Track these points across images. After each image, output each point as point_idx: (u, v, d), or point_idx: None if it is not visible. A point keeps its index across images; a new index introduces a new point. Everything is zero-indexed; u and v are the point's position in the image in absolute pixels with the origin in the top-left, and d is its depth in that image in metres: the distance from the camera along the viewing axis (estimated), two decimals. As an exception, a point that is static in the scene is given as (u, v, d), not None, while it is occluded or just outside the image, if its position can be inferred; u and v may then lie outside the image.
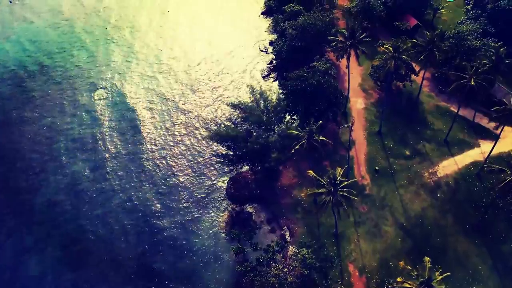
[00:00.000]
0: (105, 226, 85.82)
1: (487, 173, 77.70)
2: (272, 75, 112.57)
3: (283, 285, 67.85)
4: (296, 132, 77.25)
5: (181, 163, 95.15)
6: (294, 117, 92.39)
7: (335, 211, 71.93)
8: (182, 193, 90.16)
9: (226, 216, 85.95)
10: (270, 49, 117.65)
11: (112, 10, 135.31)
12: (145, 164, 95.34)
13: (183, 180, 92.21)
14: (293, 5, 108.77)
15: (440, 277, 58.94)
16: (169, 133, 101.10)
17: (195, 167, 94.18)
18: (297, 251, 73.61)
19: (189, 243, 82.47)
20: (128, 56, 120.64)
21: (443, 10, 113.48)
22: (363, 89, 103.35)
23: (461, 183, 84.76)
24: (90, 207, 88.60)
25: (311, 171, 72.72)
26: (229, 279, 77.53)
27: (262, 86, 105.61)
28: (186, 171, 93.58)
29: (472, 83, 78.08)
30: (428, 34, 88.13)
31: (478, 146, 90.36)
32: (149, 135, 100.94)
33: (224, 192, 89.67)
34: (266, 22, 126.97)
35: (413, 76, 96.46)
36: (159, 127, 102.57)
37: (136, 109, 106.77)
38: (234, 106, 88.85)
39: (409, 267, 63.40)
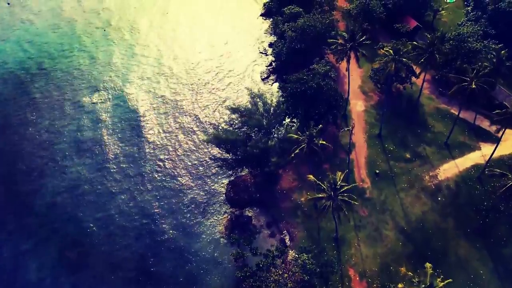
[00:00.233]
0: (104, 229, 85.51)
1: (489, 177, 77.14)
2: (272, 77, 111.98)
3: (283, 291, 67.46)
4: (296, 136, 76.64)
5: (180, 166, 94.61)
6: (294, 120, 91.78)
7: (336, 215, 71.40)
8: (181, 196, 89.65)
9: (225, 220, 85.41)
10: (270, 51, 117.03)
11: (112, 12, 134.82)
12: (144, 168, 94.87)
13: (182, 183, 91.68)
14: (292, 6, 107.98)
15: (442, 283, 58.39)
16: (168, 136, 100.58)
17: (194, 171, 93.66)
18: (297, 255, 73.14)
19: (188, 248, 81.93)
20: (128, 58, 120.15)
21: (443, 12, 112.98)
22: (363, 92, 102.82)
23: (462, 187, 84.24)
24: (89, 210, 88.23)
25: (311, 176, 72.14)
26: (228, 284, 77.01)
27: (262, 88, 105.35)
28: (185, 175, 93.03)
29: (473, 86, 77.52)
30: (429, 36, 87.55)
31: (479, 148, 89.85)
32: (148, 138, 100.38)
33: (224, 196, 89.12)
34: (265, 24, 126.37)
35: (413, 78, 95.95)
36: (158, 130, 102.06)
37: (135, 111, 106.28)
38: (233, 110, 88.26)
39: (410, 273, 62.86)
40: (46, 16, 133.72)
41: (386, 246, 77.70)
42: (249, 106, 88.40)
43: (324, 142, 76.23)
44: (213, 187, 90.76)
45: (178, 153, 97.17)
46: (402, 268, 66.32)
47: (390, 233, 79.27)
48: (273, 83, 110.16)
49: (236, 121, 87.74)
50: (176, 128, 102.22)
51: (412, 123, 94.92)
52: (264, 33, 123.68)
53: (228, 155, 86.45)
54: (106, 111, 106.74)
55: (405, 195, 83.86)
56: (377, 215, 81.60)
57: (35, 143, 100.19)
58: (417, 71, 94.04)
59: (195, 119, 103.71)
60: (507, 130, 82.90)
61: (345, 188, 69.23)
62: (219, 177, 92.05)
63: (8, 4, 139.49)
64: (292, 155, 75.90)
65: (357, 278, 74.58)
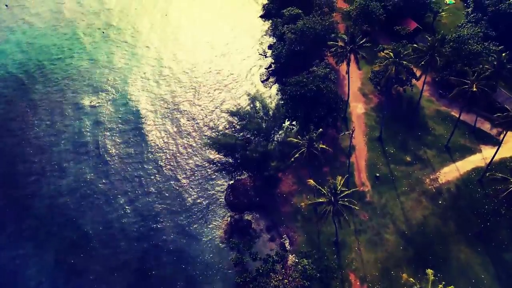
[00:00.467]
0: (102, 232, 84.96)
1: (490, 180, 76.55)
2: (271, 79, 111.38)
3: (283, 297, 66.86)
4: (296, 140, 76.02)
5: (179, 170, 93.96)
6: (294, 123, 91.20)
7: (336, 220, 70.80)
8: (180, 200, 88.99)
9: (225, 224, 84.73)
10: (269, 52, 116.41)
11: (112, 13, 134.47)
12: (144, 171, 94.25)
13: (181, 187, 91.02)
14: (292, 8, 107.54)
15: (444, 290, 57.88)
16: (168, 139, 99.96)
17: (193, 174, 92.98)
18: (297, 260, 72.57)
19: (187, 253, 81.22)
20: (127, 59, 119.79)
21: (443, 13, 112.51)
22: (363, 94, 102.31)
23: (463, 190, 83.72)
24: (89, 213, 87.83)
25: (311, 181, 71.56)
26: (228, 289, 76.49)
27: (261, 90, 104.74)
28: (184, 179, 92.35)
29: (474, 89, 76.98)
30: (429, 39, 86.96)
31: (480, 151, 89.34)
32: (148, 141, 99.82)
33: (223, 200, 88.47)
34: (265, 25, 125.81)
35: (413, 81, 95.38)
36: (158, 133, 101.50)
37: (135, 113, 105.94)
38: (232, 113, 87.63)
39: (412, 279, 62.19)
40: (46, 18, 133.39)
41: (387, 251, 77.12)
42: (249, 109, 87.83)
43: (324, 146, 75.68)
44: (212, 190, 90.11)
45: (177, 156, 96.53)
46: (403, 275, 65.77)
47: (390, 237, 78.70)
48: (272, 85, 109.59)
49: (236, 125, 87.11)
50: (175, 131, 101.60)
51: (412, 125, 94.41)
52: (264, 35, 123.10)
53: (227, 158, 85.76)
54: (105, 113, 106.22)
55: (406, 199, 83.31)
56: (378, 219, 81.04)
57: (35, 145, 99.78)
58: (418, 73, 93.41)
59: (194, 122, 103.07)
60: (508, 133, 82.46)
61: (345, 193, 68.59)
62: (219, 180, 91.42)
63: (6, 6, 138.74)
64: (292, 159, 75.28)
65: (358, 283, 73.98)
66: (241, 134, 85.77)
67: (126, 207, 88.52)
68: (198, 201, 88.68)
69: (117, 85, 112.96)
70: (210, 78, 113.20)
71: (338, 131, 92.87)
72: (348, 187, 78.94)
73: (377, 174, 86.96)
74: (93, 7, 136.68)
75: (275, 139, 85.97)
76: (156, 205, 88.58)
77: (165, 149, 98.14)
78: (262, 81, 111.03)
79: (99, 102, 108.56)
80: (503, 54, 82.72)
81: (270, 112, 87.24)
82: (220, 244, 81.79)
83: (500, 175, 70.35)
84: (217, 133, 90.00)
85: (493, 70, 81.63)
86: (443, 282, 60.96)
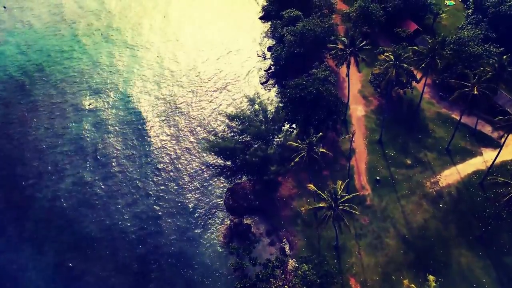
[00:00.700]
0: (101, 235, 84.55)
1: (491, 184, 76.06)
2: (271, 81, 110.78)
3: (283, 302, 66.38)
4: (295, 144, 75.46)
5: (178, 173, 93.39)
6: (293, 126, 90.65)
7: (336, 225, 70.28)
8: (179, 204, 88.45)
9: (224, 228, 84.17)
10: (268, 54, 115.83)
11: (112, 15, 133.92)
12: (142, 174, 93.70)
13: (180, 191, 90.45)
14: (291, 10, 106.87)
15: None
16: (167, 143, 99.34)
17: (192, 178, 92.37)
18: (297, 265, 72.01)
19: (186, 258, 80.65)
20: (127, 61, 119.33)
21: (443, 15, 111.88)
22: (363, 96, 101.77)
23: (464, 193, 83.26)
24: (88, 214, 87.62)
25: (311, 185, 71.04)
26: (228, 295, 75.99)
27: (261, 93, 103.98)
28: (183, 182, 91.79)
29: (475, 92, 76.47)
30: (430, 42, 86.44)
31: (481, 154, 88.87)
32: (148, 143, 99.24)
33: (222, 203, 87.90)
34: (264, 27, 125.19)
35: (413, 83, 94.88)
36: (158, 135, 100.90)
37: (135, 115, 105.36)
38: (232, 117, 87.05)
39: (413, 286, 61.69)
40: (46, 19, 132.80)
41: (387, 255, 76.62)
42: (248, 112, 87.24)
43: (324, 150, 75.14)
44: (211, 194, 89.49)
45: (177, 159, 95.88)
46: (405, 281, 65.31)
47: (391, 241, 78.21)
48: (272, 88, 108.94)
49: (235, 128, 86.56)
50: (174, 134, 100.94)
51: (412, 128, 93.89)
52: (263, 36, 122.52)
53: (227, 162, 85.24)
54: (105, 115, 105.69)
55: (406, 202, 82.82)
56: (378, 223, 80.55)
57: (34, 147, 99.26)
58: (418, 76, 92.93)
59: (193, 125, 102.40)
60: (509, 136, 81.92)
61: (346, 197, 68.04)
62: (218, 184, 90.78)
63: (4, 8, 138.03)
64: (292, 163, 74.73)
65: (358, 288, 73.63)
66: (241, 137, 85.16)
67: (125, 210, 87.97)
68: (197, 205, 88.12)
69: (116, 87, 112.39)
70: (209, 80, 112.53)
71: (338, 134, 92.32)
72: (348, 190, 78.64)
73: (378, 178, 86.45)
74: (92, 8, 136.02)
75: (275, 142, 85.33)
76: (155, 208, 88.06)
77: (164, 152, 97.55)
78: (262, 83, 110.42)
79: (98, 104, 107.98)
80: (504, 57, 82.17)
81: (270, 115, 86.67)
82: (220, 249, 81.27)
83: (501, 179, 69.79)
84: (216, 137, 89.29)
85: (494, 72, 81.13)
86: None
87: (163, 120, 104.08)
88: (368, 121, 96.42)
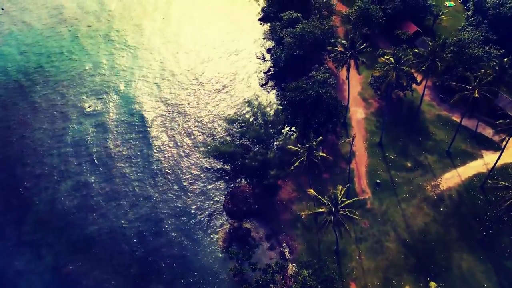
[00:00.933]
0: (101, 238, 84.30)
1: (492, 188, 75.61)
2: (270, 83, 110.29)
3: (283, 308, 65.89)
4: (295, 148, 74.94)
5: (177, 177, 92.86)
6: (293, 129, 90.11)
7: (336, 230, 69.78)
8: (178, 207, 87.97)
9: (223, 232, 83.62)
10: (268, 56, 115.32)
11: (112, 16, 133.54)
12: (141, 177, 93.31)
13: (179, 194, 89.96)
14: (290, 12, 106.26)
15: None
16: (166, 147, 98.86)
17: (191, 181, 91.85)
18: (297, 270, 71.50)
19: (185, 262, 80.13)
20: (127, 62, 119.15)
21: (443, 16, 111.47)
22: (363, 98, 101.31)
23: (465, 196, 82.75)
24: (87, 217, 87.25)
25: (311, 190, 70.52)
26: (227, 300, 75.54)
27: (260, 95, 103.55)
28: (182, 185, 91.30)
29: (476, 95, 75.98)
30: (430, 44, 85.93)
31: (481, 157, 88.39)
32: (147, 147, 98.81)
33: (222, 207, 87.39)
34: (263, 29, 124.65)
35: (414, 85, 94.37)
36: (157, 139, 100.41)
37: (135, 117, 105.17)
38: (231, 120, 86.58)
39: (414, 291, 61.34)
40: (46, 21, 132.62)
41: (388, 259, 76.12)
42: (247, 116, 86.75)
43: (324, 154, 74.62)
44: (211, 198, 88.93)
45: (176, 163, 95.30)
46: (406, 287, 64.61)
47: (392, 245, 77.71)
48: (271, 90, 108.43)
49: (235, 132, 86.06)
50: (174, 138, 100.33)
51: (413, 131, 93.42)
52: (263, 38, 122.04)
53: (226, 166, 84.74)
54: (105, 117, 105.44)
55: (407, 206, 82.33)
56: (379, 227, 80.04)
57: (34, 148, 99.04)
58: (418, 78, 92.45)
59: (193, 128, 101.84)
60: (511, 138, 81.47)
61: (346, 202, 67.53)
62: (217, 188, 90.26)
63: (2, 9, 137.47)
64: (292, 168, 74.21)
65: (359, 293, 73.13)
66: (240, 141, 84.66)
67: (124, 214, 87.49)
68: (197, 208, 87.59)
69: (117, 88, 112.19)
70: (208, 82, 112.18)
71: (338, 136, 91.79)
72: (348, 194, 78.16)
73: (378, 181, 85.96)
74: (93, 10, 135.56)
75: (275, 146, 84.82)
76: (155, 212, 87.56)
77: (164, 156, 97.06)
78: (261, 86, 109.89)
79: (97, 107, 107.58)
80: (505, 59, 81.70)
81: (269, 118, 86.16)
82: (219, 254, 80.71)
83: (503, 183, 69.32)
84: (216, 141, 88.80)
85: (494, 75, 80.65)
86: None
87: (163, 123, 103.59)
88: (368, 124, 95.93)
